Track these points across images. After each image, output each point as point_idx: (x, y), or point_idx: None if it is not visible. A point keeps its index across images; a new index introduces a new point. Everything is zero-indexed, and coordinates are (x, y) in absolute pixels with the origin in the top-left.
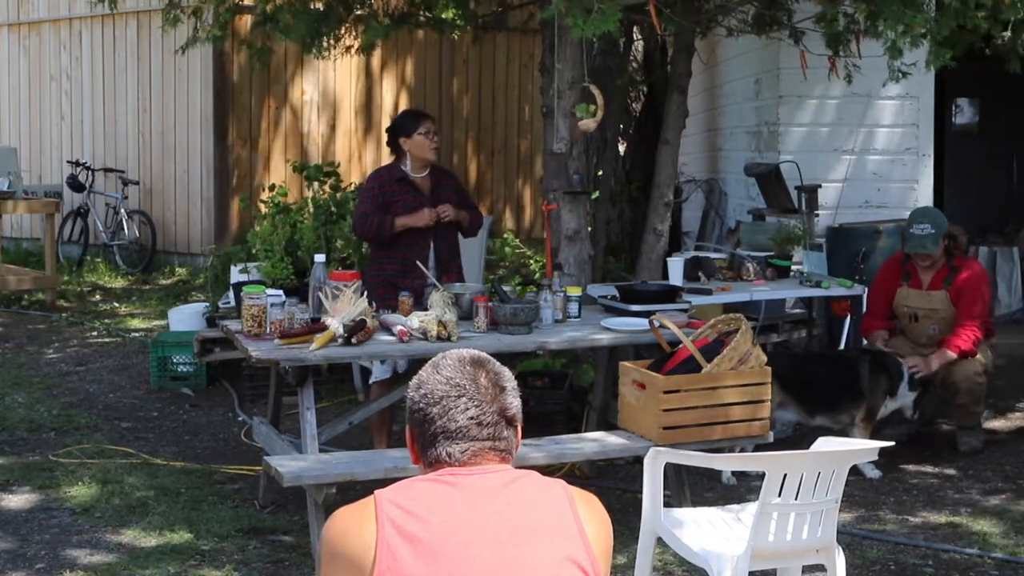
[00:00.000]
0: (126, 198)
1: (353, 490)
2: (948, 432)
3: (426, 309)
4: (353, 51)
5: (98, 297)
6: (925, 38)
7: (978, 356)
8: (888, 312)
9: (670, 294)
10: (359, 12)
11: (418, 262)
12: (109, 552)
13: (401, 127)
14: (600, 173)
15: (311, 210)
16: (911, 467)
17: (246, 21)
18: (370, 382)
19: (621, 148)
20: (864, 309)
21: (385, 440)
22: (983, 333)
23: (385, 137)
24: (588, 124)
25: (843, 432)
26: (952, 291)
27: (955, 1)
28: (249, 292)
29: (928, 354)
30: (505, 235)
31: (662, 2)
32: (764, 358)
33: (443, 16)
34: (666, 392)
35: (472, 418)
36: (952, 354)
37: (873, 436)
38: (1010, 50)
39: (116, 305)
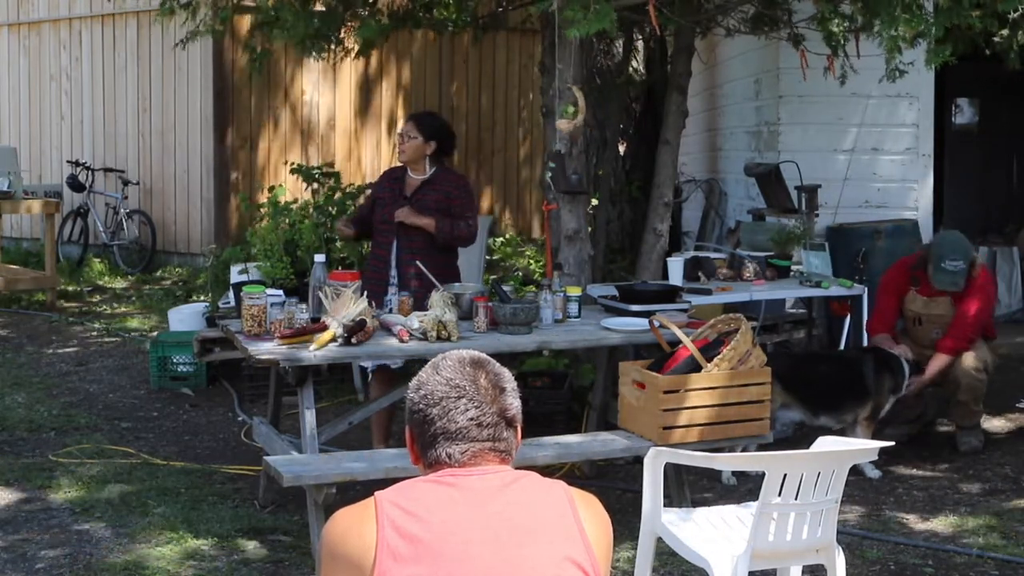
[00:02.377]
0: (126, 198)
1: (353, 490)
2: (948, 432)
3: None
4: (351, 55)
5: (98, 297)
6: (922, 38)
7: (979, 353)
8: (896, 319)
9: (670, 294)
10: (359, 12)
11: (418, 262)
12: (109, 552)
13: None
14: (600, 173)
15: (311, 211)
16: (911, 467)
17: (246, 21)
18: (370, 370)
19: (621, 148)
20: (865, 310)
21: (384, 440)
22: (979, 332)
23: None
24: (561, 124)
25: (845, 431)
26: (956, 296)
27: (948, 1)
28: (249, 292)
29: (930, 355)
30: (507, 235)
31: (661, 2)
32: (764, 358)
33: (443, 16)
34: (666, 392)
35: (472, 419)
36: (945, 357)
37: (873, 436)
38: (1008, 47)
39: (116, 305)
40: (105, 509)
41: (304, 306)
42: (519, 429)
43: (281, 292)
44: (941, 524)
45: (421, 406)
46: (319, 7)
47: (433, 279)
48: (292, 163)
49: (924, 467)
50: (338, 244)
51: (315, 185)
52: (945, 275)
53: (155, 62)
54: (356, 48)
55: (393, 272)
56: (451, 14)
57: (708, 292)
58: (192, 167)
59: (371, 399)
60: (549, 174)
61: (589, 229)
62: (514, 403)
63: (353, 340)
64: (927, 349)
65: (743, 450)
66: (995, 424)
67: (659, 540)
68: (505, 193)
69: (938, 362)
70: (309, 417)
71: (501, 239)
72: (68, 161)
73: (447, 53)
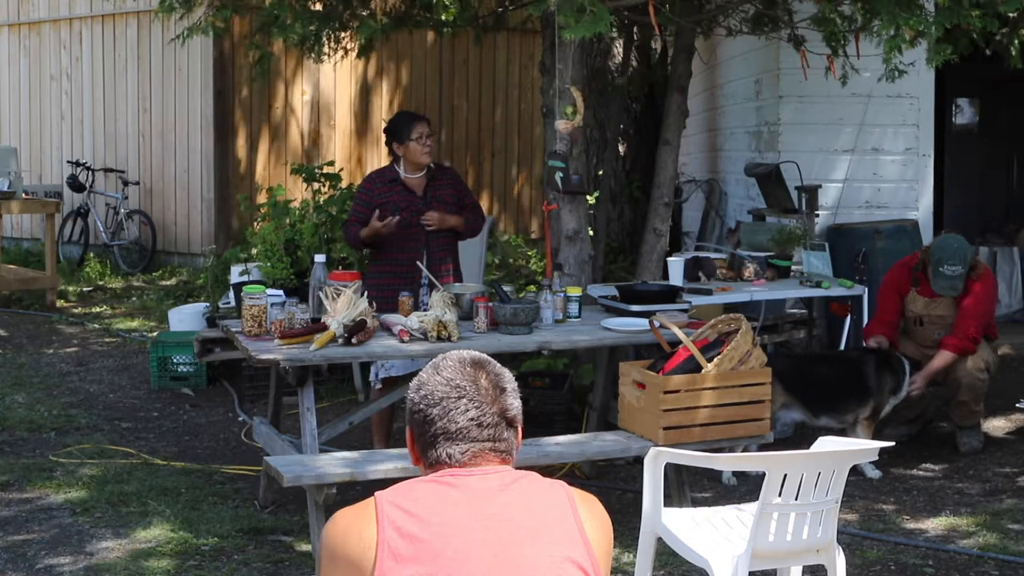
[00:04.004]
0: (126, 198)
1: (353, 490)
2: (948, 432)
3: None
4: (351, 55)
5: (98, 297)
6: (922, 38)
7: (981, 353)
8: (897, 319)
9: (670, 294)
10: (359, 12)
11: (418, 263)
12: (109, 552)
13: (395, 132)
14: (600, 173)
15: (312, 211)
16: (911, 467)
17: (246, 21)
18: (373, 385)
19: (621, 148)
20: (865, 310)
21: (385, 440)
22: (982, 331)
23: (383, 138)
24: (560, 125)
25: (846, 431)
26: (958, 296)
27: (948, 0)
28: (249, 292)
29: (931, 356)
30: (506, 237)
31: (661, 2)
32: (764, 358)
33: (443, 17)
34: (666, 392)
35: (472, 419)
36: (950, 354)
37: (873, 436)
38: (1008, 46)
39: (116, 305)
40: (105, 509)
41: (304, 306)
42: (519, 429)
43: (281, 292)
44: (941, 524)
45: (421, 406)
46: (318, 6)
47: (434, 280)
48: (292, 163)
49: (924, 467)
50: (338, 244)
51: (316, 185)
52: (944, 280)
53: (155, 62)
54: (355, 49)
55: (426, 272)
56: (451, 15)
57: (708, 292)
58: (192, 167)
59: (371, 400)
60: (560, 175)
61: (590, 230)
62: (515, 403)
63: (353, 340)
64: (929, 350)
65: (744, 450)
66: (995, 424)
67: (659, 540)
68: (505, 193)
69: (942, 359)
70: (309, 417)
71: (501, 240)
72: (68, 161)
73: (447, 53)
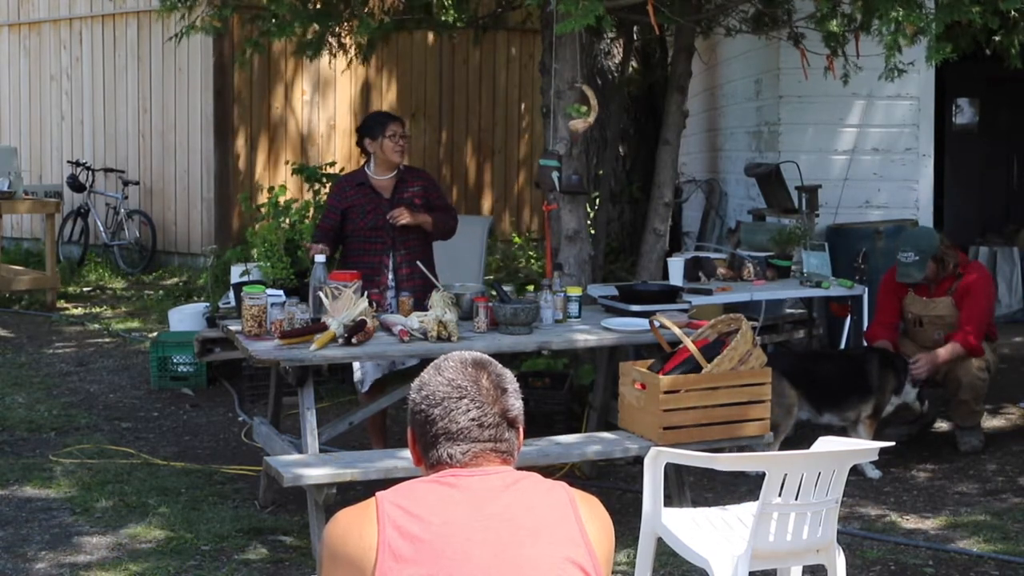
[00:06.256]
0: (126, 198)
1: (353, 490)
2: (948, 432)
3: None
4: (350, 55)
5: (98, 297)
6: (922, 35)
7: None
8: (896, 321)
9: (670, 294)
10: (358, 11)
11: (418, 263)
12: (109, 552)
13: (367, 130)
14: (600, 173)
15: (312, 211)
16: (911, 467)
17: (246, 22)
18: (361, 389)
19: (621, 148)
20: (864, 310)
21: (382, 440)
22: (983, 335)
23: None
24: (577, 124)
25: (847, 430)
26: (956, 296)
27: None
28: (249, 292)
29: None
30: (511, 238)
31: (660, 1)
32: (764, 358)
33: (442, 18)
34: (666, 392)
35: (473, 419)
36: (960, 347)
37: (874, 436)
38: (1009, 45)
39: (116, 305)
40: (105, 509)
41: (304, 306)
42: (521, 430)
43: (281, 292)
44: (941, 524)
45: (423, 407)
46: (318, 5)
47: (434, 279)
48: (292, 163)
49: (924, 467)
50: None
51: (316, 185)
52: (900, 267)
53: (155, 62)
54: (355, 51)
55: (391, 275)
56: (450, 15)
57: (708, 292)
58: (192, 167)
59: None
60: (556, 174)
61: (591, 230)
62: (516, 404)
63: (353, 340)
64: (929, 351)
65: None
66: (995, 424)
67: (659, 540)
68: (505, 193)
69: (952, 347)
70: (309, 417)
71: (501, 240)
72: (68, 161)
73: (447, 53)
